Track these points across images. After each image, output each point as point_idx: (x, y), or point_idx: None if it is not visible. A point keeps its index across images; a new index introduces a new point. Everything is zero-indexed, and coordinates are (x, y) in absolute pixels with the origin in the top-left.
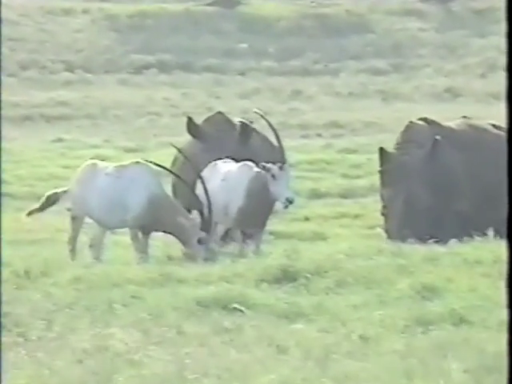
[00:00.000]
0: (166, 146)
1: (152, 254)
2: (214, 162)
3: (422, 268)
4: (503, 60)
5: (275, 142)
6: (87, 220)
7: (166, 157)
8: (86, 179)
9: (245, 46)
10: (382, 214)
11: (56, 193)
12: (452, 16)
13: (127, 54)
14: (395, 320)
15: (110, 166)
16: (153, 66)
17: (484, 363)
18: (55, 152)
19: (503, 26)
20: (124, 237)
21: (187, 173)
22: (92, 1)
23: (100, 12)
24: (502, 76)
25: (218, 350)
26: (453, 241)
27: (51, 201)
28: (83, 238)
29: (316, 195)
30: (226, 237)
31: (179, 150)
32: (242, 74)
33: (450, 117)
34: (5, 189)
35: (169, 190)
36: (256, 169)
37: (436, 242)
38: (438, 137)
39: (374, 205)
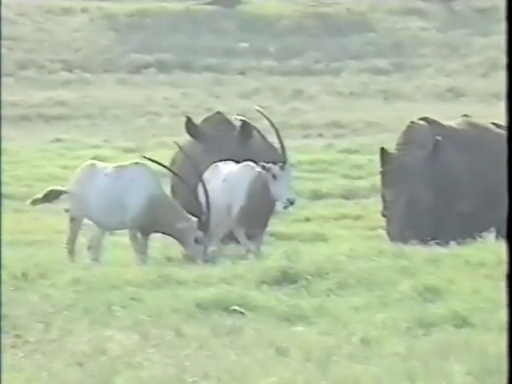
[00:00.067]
0: (166, 146)
1: (151, 256)
2: (215, 164)
3: (423, 269)
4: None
5: (276, 142)
6: (86, 221)
7: (166, 157)
8: (85, 180)
9: (245, 45)
10: (384, 215)
11: (60, 190)
12: (454, 15)
13: (126, 54)
14: (397, 322)
15: (109, 166)
16: (152, 66)
17: (486, 365)
18: (54, 152)
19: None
20: (123, 238)
21: (186, 173)
22: (91, 0)
23: (99, 11)
24: (505, 75)
25: (218, 352)
26: (455, 242)
27: (54, 195)
28: (82, 240)
29: (317, 196)
30: (226, 238)
31: (181, 148)
32: (243, 73)
33: (452, 116)
34: (2, 189)
35: (168, 190)
36: (258, 169)
37: (438, 243)
38: (438, 137)
39: (375, 206)
